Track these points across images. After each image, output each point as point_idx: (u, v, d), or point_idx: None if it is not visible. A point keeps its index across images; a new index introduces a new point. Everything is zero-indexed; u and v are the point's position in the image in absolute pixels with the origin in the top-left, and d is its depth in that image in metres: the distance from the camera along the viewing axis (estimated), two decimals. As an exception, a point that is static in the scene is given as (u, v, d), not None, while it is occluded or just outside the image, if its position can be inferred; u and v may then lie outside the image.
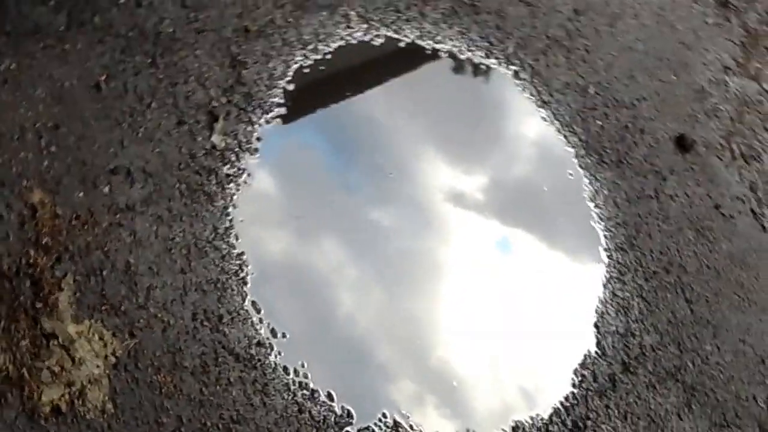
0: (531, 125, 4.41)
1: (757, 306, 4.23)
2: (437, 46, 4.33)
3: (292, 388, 3.15)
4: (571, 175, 4.28)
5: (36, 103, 3.24)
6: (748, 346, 4.06)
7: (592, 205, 4.22)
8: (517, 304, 3.84)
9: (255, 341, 3.18)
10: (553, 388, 3.61)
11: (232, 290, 3.25)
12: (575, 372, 3.67)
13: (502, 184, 4.24)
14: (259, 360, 3.15)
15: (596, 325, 3.84)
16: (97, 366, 2.85)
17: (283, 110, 3.76)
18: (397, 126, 4.14)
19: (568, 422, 3.52)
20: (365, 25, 4.16)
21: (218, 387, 3.02)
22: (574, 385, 3.63)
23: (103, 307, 2.98)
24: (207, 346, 3.08)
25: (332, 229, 3.72)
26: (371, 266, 3.70)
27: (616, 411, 3.61)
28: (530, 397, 3.58)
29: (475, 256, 3.93)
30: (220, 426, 2.96)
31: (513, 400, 3.57)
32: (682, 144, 4.65)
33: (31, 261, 2.94)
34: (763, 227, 4.57)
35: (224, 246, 3.32)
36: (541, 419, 3.50)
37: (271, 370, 3.15)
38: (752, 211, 4.60)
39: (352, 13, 4.17)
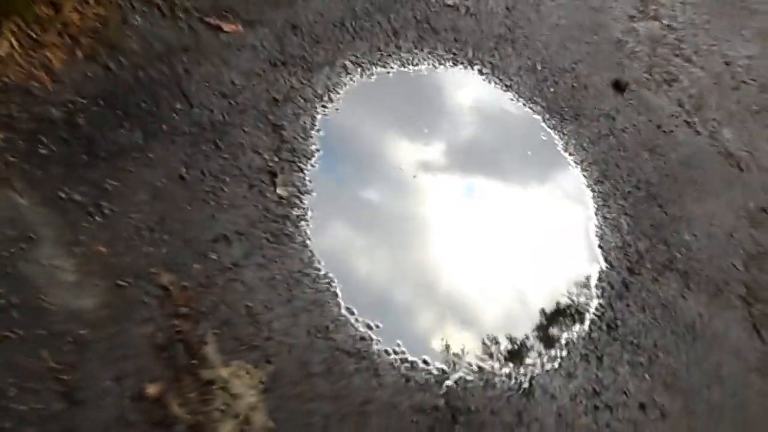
0: (503, 107, 4.31)
1: (711, 194, 4.16)
2: (416, 68, 4.23)
3: (396, 365, 3.10)
4: (544, 136, 4.20)
5: (140, 206, 3.15)
6: (716, 227, 4.00)
7: (566, 154, 4.14)
8: (534, 243, 3.78)
9: (358, 338, 3.12)
10: (584, 304, 3.58)
11: (329, 303, 3.18)
12: (596, 287, 3.63)
13: (497, 154, 4.16)
14: (366, 351, 3.08)
15: (600, 246, 3.79)
16: (252, 395, 2.79)
17: (321, 153, 3.68)
18: (406, 132, 4.06)
19: (604, 326, 3.47)
20: (360, 69, 4.06)
21: (343, 381, 2.97)
22: (598, 297, 3.59)
23: (241, 348, 2.92)
24: (325, 353, 3.01)
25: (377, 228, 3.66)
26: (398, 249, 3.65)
27: (635, 306, 3.56)
28: (570, 317, 3.54)
29: (485, 205, 3.87)
30: (355, 411, 2.91)
31: (556, 325, 3.53)
32: (618, 87, 4.55)
33: (178, 329, 2.88)
34: (697, 132, 4.50)
35: (312, 272, 3.24)
36: (584, 330, 3.47)
37: (376, 356, 3.09)
38: (686, 122, 4.52)
39: (347, 62, 4.07)
